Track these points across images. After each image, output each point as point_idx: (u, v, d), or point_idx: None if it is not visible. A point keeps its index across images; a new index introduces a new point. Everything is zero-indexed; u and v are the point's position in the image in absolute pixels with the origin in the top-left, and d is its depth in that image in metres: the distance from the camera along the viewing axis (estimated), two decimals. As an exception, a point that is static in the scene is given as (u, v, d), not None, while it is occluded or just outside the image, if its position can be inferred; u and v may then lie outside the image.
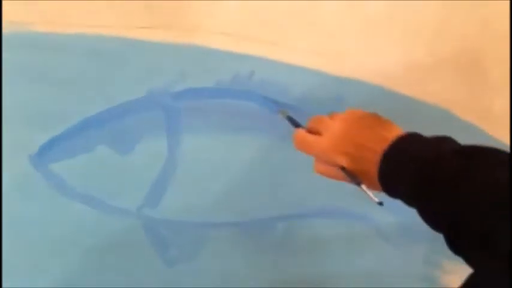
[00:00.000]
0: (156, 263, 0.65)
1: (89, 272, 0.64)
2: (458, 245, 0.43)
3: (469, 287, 0.39)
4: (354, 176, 0.51)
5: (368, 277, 0.71)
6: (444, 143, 0.47)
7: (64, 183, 0.61)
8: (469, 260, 0.42)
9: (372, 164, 0.49)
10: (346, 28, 0.63)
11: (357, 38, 0.64)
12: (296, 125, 0.58)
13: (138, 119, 0.61)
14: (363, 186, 0.50)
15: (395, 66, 0.65)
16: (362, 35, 0.64)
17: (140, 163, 0.62)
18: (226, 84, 0.62)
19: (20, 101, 0.58)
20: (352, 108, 0.55)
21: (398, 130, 0.51)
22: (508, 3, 0.66)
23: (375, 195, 0.49)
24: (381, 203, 0.49)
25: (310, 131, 0.55)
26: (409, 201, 0.48)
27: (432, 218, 0.46)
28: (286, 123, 0.60)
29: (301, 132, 0.56)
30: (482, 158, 0.44)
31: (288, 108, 0.62)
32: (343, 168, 0.51)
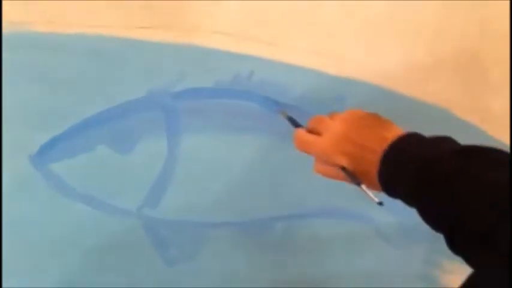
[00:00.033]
0: (156, 263, 0.65)
1: (89, 272, 0.64)
2: (458, 245, 0.43)
3: (469, 287, 0.39)
4: (354, 176, 0.51)
5: (368, 277, 0.71)
6: (444, 143, 0.47)
7: (64, 183, 0.61)
8: (469, 260, 0.42)
9: (372, 164, 0.49)
10: (346, 28, 0.63)
11: (356, 38, 0.64)
12: (296, 125, 0.58)
13: (138, 119, 0.61)
14: (363, 187, 0.50)
15: (395, 66, 0.65)
16: (362, 35, 0.64)
17: (140, 163, 0.62)
18: (226, 84, 0.62)
19: (20, 101, 0.58)
20: (352, 108, 0.55)
21: (398, 130, 0.51)
22: (507, 3, 0.66)
23: (375, 196, 0.49)
24: (381, 203, 0.49)
25: (311, 131, 0.55)
26: (409, 201, 0.48)
27: (432, 218, 0.46)
28: (286, 123, 0.60)
29: (301, 132, 0.56)
30: (481, 158, 0.44)
31: (288, 108, 0.62)
32: (343, 168, 0.51)
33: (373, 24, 0.64)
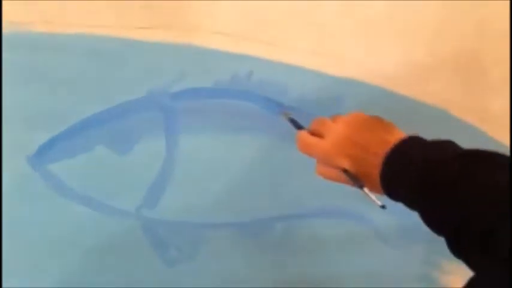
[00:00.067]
0: (155, 263, 0.65)
1: (88, 272, 0.64)
2: (459, 248, 0.43)
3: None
4: (356, 179, 0.51)
5: (367, 277, 0.71)
6: (446, 146, 0.47)
7: (63, 183, 0.61)
8: (469, 263, 0.42)
9: (374, 167, 0.49)
10: (346, 28, 0.63)
11: (356, 38, 0.64)
12: (298, 127, 0.58)
13: (137, 119, 0.61)
14: (365, 189, 0.50)
15: (394, 67, 0.65)
16: (361, 35, 0.64)
17: (139, 163, 0.62)
18: (225, 85, 0.62)
19: (20, 101, 0.58)
20: (354, 111, 0.55)
21: (400, 133, 0.51)
22: (507, 3, 0.66)
23: (377, 198, 0.49)
24: (383, 206, 0.48)
25: (313, 133, 0.55)
26: (411, 204, 0.48)
27: (434, 221, 0.46)
28: (286, 123, 0.60)
29: (303, 134, 0.56)
30: (482, 161, 0.44)
31: (287, 109, 0.62)
32: (345, 171, 0.51)
33: (373, 24, 0.64)
